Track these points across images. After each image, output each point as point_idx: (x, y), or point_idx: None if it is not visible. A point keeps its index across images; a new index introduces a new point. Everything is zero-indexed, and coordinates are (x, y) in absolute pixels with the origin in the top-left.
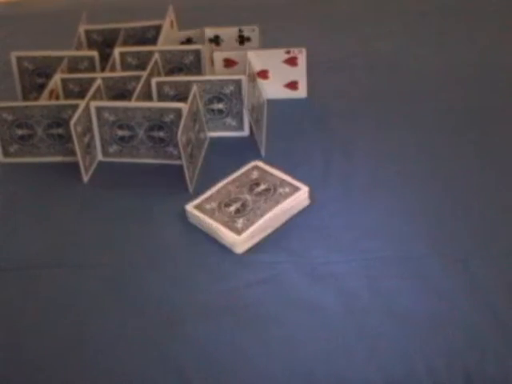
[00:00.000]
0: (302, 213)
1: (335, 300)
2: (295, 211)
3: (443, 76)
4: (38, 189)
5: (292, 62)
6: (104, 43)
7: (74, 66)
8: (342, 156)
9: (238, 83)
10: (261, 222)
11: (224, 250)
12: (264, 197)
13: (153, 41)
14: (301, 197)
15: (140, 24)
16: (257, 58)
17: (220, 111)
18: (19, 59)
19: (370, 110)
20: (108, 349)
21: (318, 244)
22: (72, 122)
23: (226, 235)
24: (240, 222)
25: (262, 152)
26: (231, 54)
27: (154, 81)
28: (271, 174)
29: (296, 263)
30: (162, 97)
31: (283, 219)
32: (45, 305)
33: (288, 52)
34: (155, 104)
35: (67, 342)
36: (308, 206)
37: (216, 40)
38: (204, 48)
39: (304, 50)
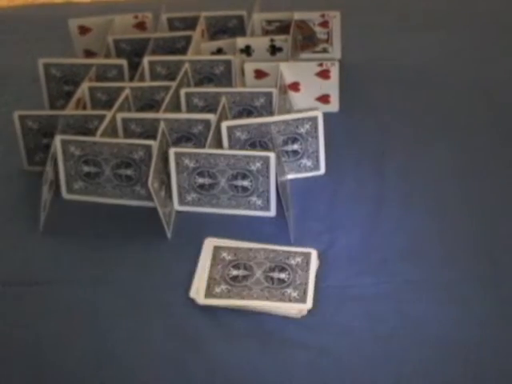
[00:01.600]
0: None
1: (362, 324)
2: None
3: (482, 92)
4: None
5: (324, 74)
6: (132, 52)
7: (102, 74)
8: (373, 173)
9: (268, 96)
10: (234, 302)
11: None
12: (269, 284)
13: (182, 51)
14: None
15: (170, 34)
16: (288, 70)
17: None
18: (46, 66)
19: (404, 126)
20: (127, 368)
21: (346, 266)
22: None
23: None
24: (220, 288)
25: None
26: (262, 65)
27: (182, 91)
28: (306, 270)
29: (322, 285)
30: (191, 108)
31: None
32: (64, 321)
33: (321, 65)
34: (182, 115)
35: (86, 359)
36: None
37: (247, 50)
38: (234, 58)
39: (337, 63)
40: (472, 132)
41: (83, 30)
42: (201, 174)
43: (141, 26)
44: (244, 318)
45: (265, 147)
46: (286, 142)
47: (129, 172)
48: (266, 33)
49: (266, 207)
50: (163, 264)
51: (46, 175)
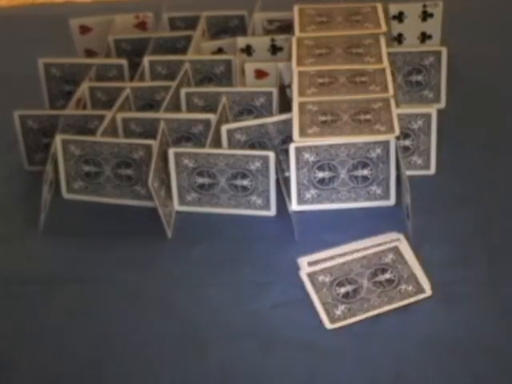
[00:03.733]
0: None
1: (363, 323)
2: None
3: None
4: None
5: None
6: (133, 53)
7: (102, 73)
8: None
9: (268, 95)
10: (362, 317)
11: (250, 270)
12: (381, 289)
13: (183, 51)
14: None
15: (170, 34)
16: (288, 70)
17: None
18: (46, 66)
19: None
20: (128, 367)
21: None
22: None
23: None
24: (340, 310)
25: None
26: (262, 65)
27: (183, 91)
28: (405, 262)
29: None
30: (191, 108)
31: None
32: (65, 321)
33: None
34: (183, 115)
35: (87, 360)
36: None
37: (248, 50)
38: (235, 58)
39: None
40: None
41: (84, 29)
42: (200, 174)
43: (142, 25)
44: (244, 318)
45: (264, 147)
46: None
47: (129, 172)
48: (267, 32)
49: (267, 206)
50: (163, 264)
51: (46, 175)
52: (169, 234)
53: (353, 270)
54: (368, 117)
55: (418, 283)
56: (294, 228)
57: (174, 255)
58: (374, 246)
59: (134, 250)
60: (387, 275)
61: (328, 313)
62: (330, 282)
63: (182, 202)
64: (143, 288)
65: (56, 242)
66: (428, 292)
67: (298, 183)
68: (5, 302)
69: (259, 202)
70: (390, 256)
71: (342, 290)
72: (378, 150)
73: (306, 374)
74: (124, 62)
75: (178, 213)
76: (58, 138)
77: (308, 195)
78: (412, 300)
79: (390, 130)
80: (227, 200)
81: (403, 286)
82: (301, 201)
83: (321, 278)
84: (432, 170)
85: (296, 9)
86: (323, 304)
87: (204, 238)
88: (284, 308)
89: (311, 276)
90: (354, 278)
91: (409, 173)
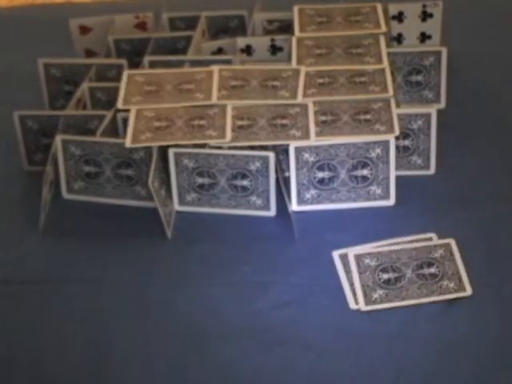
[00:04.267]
0: None
1: (363, 324)
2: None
3: None
4: None
5: None
6: (132, 53)
7: (102, 74)
8: None
9: None
10: (397, 304)
11: (250, 270)
12: (423, 281)
13: (183, 51)
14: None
15: (170, 34)
16: None
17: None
18: (46, 66)
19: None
20: (128, 368)
21: None
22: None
23: (351, 297)
24: (378, 294)
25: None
26: None
27: None
28: (453, 260)
29: (325, 285)
30: None
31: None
32: (65, 321)
33: None
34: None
35: (86, 360)
36: None
37: (248, 50)
38: (235, 58)
39: None
40: None
41: (84, 29)
42: (200, 174)
43: (142, 26)
44: (245, 317)
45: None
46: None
47: (129, 172)
48: (266, 33)
49: (267, 206)
50: (163, 264)
51: (46, 175)
52: (168, 234)
53: (400, 259)
54: (368, 117)
55: (460, 281)
56: (293, 228)
57: (174, 255)
58: (425, 239)
59: (134, 250)
60: (432, 269)
61: (366, 295)
62: (375, 266)
63: (182, 202)
64: (143, 288)
65: (56, 242)
66: (469, 291)
67: (298, 183)
68: (4, 302)
69: (259, 202)
70: (440, 252)
71: (385, 276)
72: (378, 150)
73: (306, 373)
74: (124, 62)
75: (178, 213)
76: (59, 139)
77: (308, 195)
78: (451, 296)
79: (390, 129)
80: (227, 200)
81: (445, 282)
82: (301, 201)
83: (367, 260)
84: (432, 170)
85: (296, 9)
86: (363, 286)
87: (204, 237)
88: (284, 308)
89: (358, 258)
90: (398, 267)
91: (409, 173)
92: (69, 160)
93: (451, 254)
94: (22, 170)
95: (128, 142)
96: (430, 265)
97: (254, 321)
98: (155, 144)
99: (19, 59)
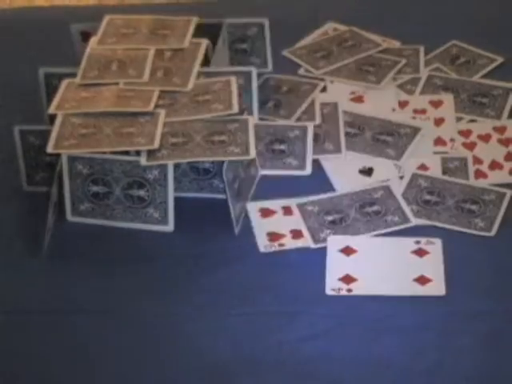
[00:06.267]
0: None
1: (400, 357)
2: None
3: None
4: None
5: None
6: None
7: None
8: None
9: None
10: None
11: (274, 301)
12: (367, 218)
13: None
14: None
15: None
16: None
17: None
18: (47, 76)
19: None
20: None
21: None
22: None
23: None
24: (325, 234)
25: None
26: None
27: None
28: (394, 197)
29: (355, 316)
30: None
31: None
32: (71, 352)
33: None
34: None
35: None
36: None
37: None
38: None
39: None
40: None
41: (86, 35)
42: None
43: None
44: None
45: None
46: None
47: (141, 193)
48: None
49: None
50: (177, 292)
51: (52, 197)
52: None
53: (342, 203)
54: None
55: (404, 215)
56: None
57: (192, 282)
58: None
59: (147, 276)
60: (375, 207)
61: (313, 236)
62: (318, 211)
63: (75, 212)
64: (157, 318)
65: (59, 269)
66: (413, 221)
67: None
68: (5, 331)
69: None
70: (380, 192)
71: (329, 218)
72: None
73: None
74: None
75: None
76: (64, 155)
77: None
78: (396, 228)
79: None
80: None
81: (389, 217)
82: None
83: (310, 208)
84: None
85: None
86: (309, 228)
87: (224, 264)
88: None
89: (300, 207)
90: (341, 209)
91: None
92: (75, 179)
93: (391, 193)
94: (21, 191)
95: (50, 148)
96: (372, 204)
97: (279, 354)
98: (79, 152)
99: (20, 67)
